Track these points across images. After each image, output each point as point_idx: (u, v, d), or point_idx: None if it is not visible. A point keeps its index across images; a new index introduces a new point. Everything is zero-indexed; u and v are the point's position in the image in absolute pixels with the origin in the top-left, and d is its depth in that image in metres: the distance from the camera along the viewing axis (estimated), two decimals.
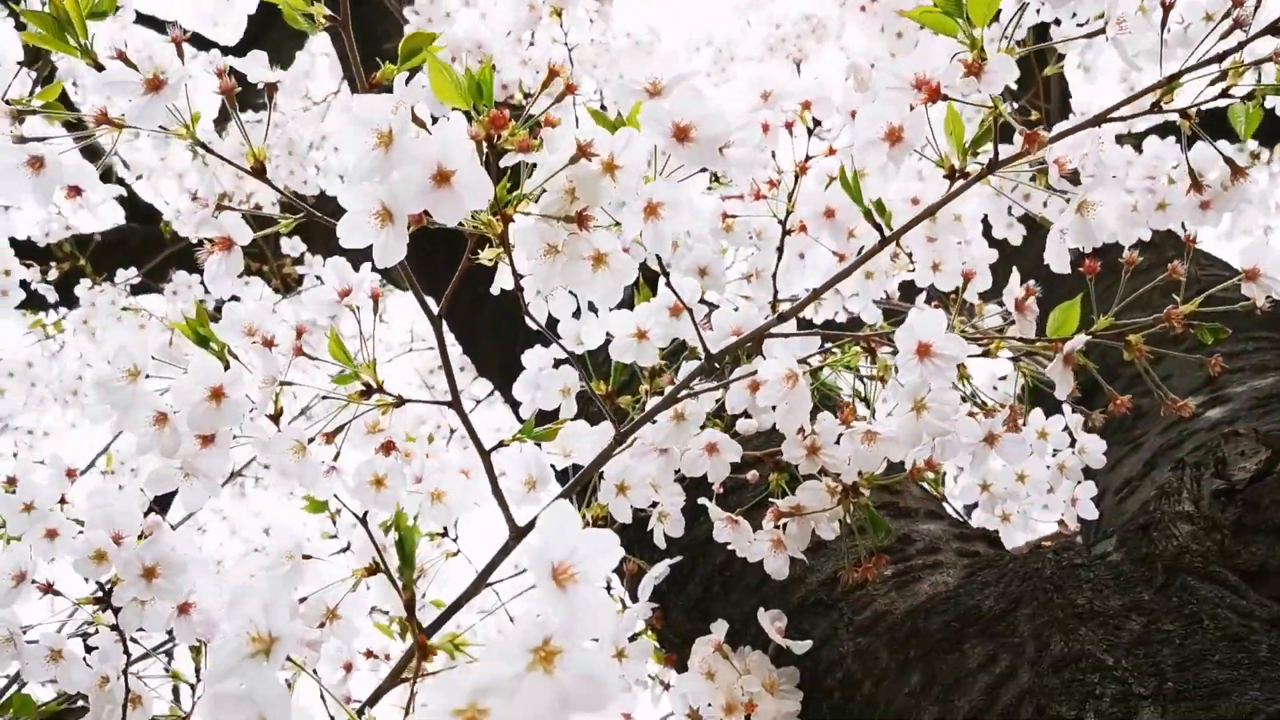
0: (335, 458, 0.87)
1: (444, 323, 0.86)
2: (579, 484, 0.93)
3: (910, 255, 1.19)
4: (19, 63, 1.48)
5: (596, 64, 2.70)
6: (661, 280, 0.93)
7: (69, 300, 2.75)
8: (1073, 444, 1.14)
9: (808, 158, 1.19)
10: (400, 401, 0.86)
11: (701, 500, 0.98)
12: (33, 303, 2.77)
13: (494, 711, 0.42)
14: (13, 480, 1.16)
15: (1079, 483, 1.17)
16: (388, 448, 0.86)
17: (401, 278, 0.83)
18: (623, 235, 0.74)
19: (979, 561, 1.00)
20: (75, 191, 0.75)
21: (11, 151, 0.72)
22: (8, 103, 0.73)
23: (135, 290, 2.82)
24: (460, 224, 0.77)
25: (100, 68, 0.76)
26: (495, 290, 0.89)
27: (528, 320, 0.82)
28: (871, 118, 0.77)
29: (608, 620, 0.44)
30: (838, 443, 0.91)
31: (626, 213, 0.72)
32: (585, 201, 0.70)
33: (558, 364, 1.08)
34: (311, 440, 0.85)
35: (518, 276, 0.78)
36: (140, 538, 0.90)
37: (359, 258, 0.85)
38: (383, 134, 0.66)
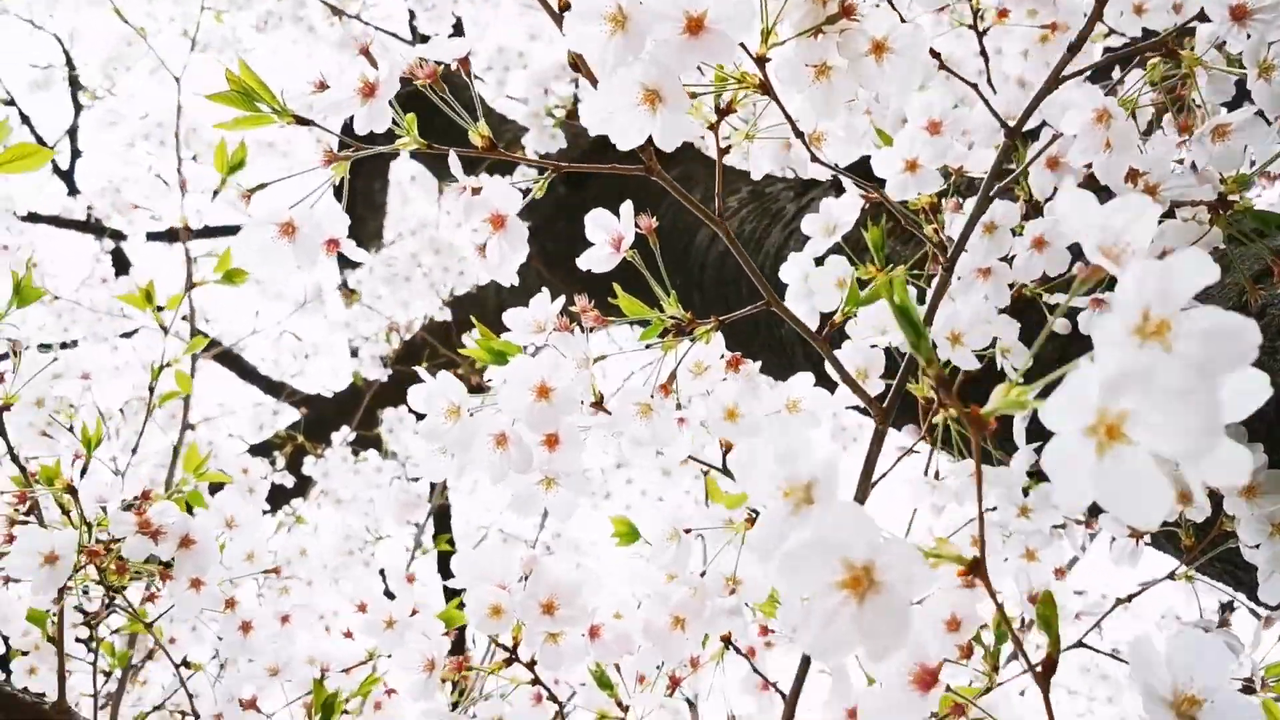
0: (678, 408, 0.81)
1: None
2: (924, 337, 0.85)
3: None
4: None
5: None
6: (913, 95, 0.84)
7: (304, 483, 2.82)
8: None
9: None
10: (720, 323, 0.80)
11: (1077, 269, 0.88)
12: (277, 496, 2.85)
13: (1134, 411, 0.34)
14: (363, 606, 1.15)
15: None
16: (735, 363, 0.79)
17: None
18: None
19: None
20: (334, 245, 0.71)
21: (261, 230, 0.69)
22: (248, 192, 0.70)
23: (353, 446, 2.88)
24: (710, 88, 0.70)
25: (305, 121, 0.73)
26: (756, 175, 0.82)
27: (815, 164, 0.74)
28: None
29: (1200, 269, 0.36)
30: (1179, 166, 0.81)
31: None
32: None
33: (818, 261, 1.01)
34: (650, 398, 0.79)
35: (792, 122, 0.71)
36: (524, 579, 0.85)
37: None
38: (614, 14, 0.60)
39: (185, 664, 1.18)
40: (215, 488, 1.39)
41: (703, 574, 0.86)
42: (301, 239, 0.70)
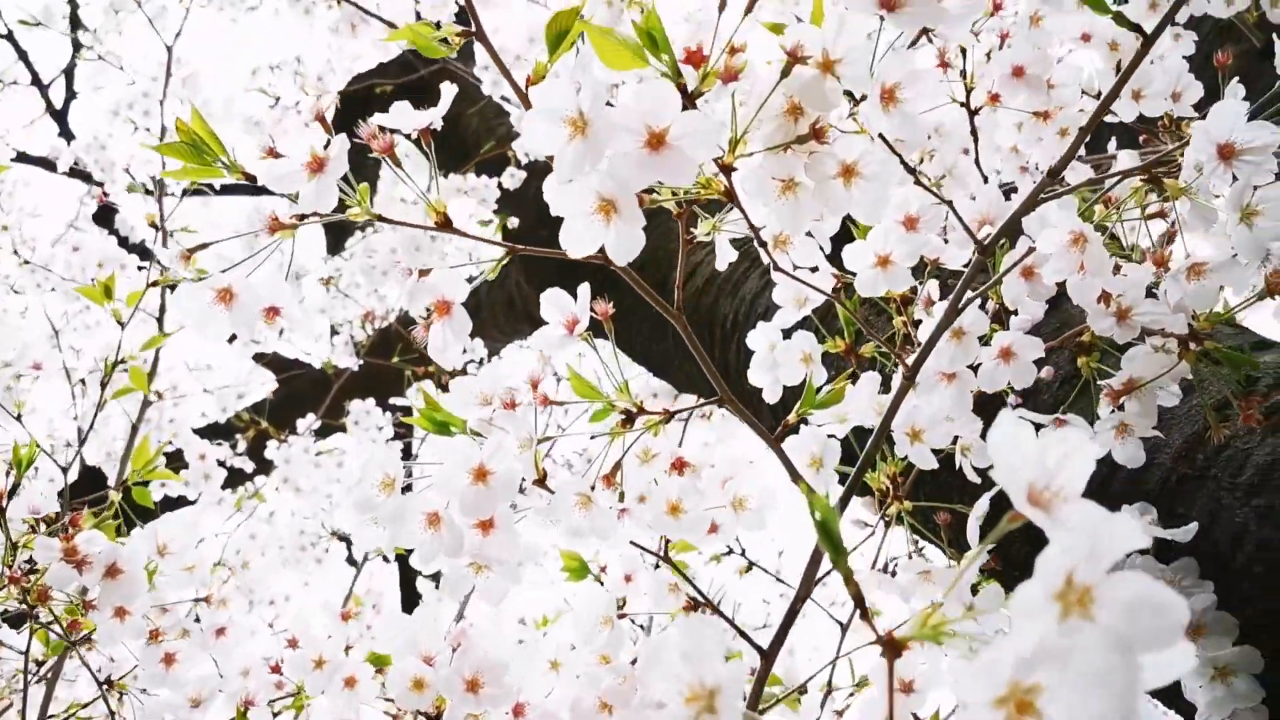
0: (621, 499, 0.79)
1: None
2: (877, 446, 0.83)
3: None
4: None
5: None
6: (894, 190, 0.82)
7: (264, 466, 2.79)
8: None
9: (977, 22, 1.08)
10: (669, 416, 0.78)
11: (1015, 410, 0.86)
12: (234, 479, 2.82)
13: (1048, 687, 0.32)
14: (294, 641, 1.12)
15: None
16: (679, 465, 0.77)
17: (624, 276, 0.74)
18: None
19: None
20: (274, 312, 0.68)
21: (198, 292, 0.67)
22: (188, 252, 0.68)
23: (319, 434, 2.85)
24: (673, 193, 0.68)
25: (251, 178, 0.70)
26: (721, 265, 0.79)
27: (774, 275, 0.72)
28: None
29: (1130, 531, 0.34)
30: (1152, 295, 0.79)
31: (864, 106, 0.61)
32: (814, 111, 0.60)
33: (786, 334, 0.98)
34: (592, 489, 0.76)
35: (755, 230, 0.69)
36: (452, 652, 0.83)
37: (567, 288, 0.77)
38: (575, 119, 0.58)
39: (109, 682, 1.16)
40: (153, 508, 1.37)
41: (634, 662, 0.84)
42: (239, 307, 0.67)
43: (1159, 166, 0.77)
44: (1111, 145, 1.50)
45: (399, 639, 0.83)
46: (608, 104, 0.64)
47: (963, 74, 1.09)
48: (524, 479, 0.78)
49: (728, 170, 0.64)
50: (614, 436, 0.79)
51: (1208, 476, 0.85)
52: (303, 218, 0.65)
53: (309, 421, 2.75)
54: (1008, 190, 1.64)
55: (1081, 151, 1.01)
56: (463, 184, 2.34)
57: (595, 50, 0.64)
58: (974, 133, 1.11)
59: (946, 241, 0.93)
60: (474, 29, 0.67)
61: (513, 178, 2.42)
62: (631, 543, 0.83)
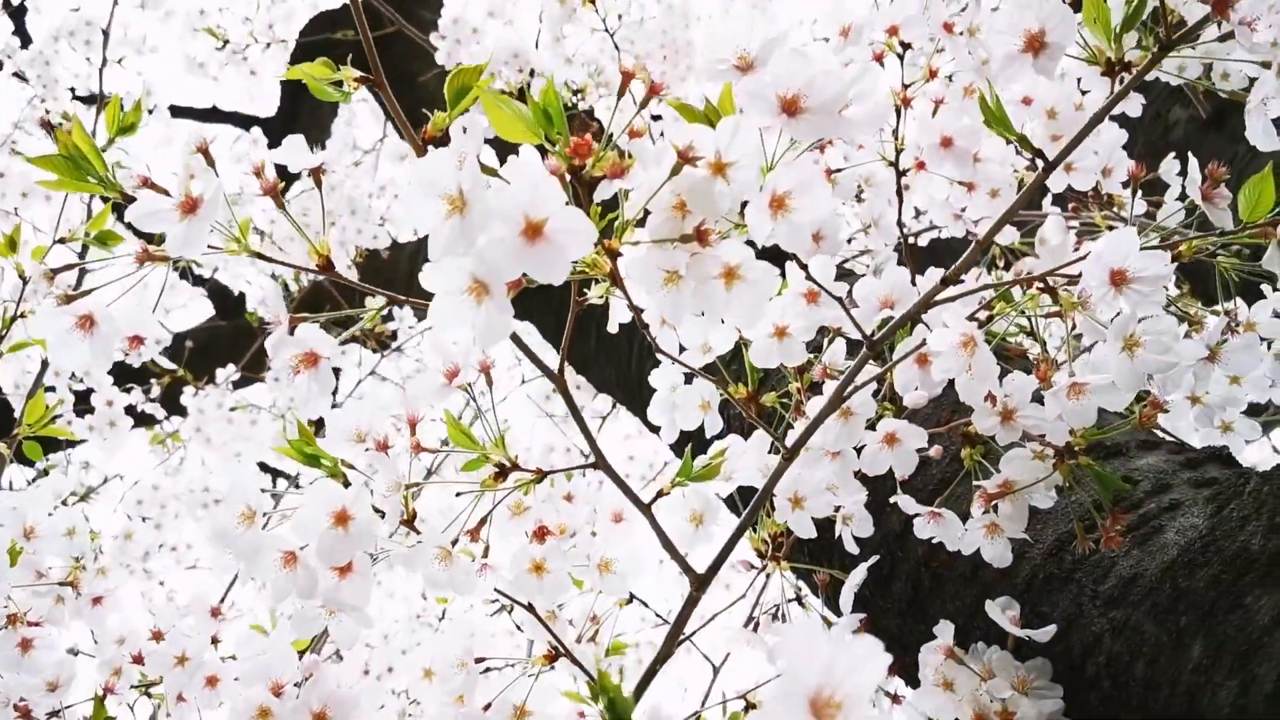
0: (485, 554, 0.78)
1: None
2: (754, 515, 0.83)
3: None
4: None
5: (634, 41, 2.57)
6: (791, 264, 0.81)
7: (179, 412, 2.74)
8: None
9: (906, 87, 1.07)
10: (541, 475, 0.77)
11: (894, 498, 0.86)
12: (145, 424, 2.77)
13: None
14: (158, 635, 1.11)
15: None
16: (541, 534, 0.76)
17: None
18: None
19: (1223, 491, 0.86)
20: (137, 341, 0.66)
21: (58, 316, 0.64)
22: (52, 272, 0.65)
23: (238, 385, 2.81)
24: None
25: (129, 199, 0.68)
26: (613, 328, 0.78)
27: (659, 355, 0.71)
28: (1003, 27, 0.64)
29: None
30: (1037, 400, 0.79)
31: (750, 210, 0.61)
32: (700, 214, 0.59)
33: (689, 378, 0.98)
34: (455, 542, 0.75)
35: (637, 311, 0.68)
36: (301, 683, 0.82)
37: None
38: (453, 197, 0.56)
39: None
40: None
41: (487, 707, 0.83)
42: (99, 336, 0.65)
43: (1060, 273, 0.77)
44: (1047, 201, 1.51)
45: (248, 668, 0.82)
46: (494, 171, 0.63)
47: (895, 133, 1.08)
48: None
49: (613, 255, 0.63)
50: (485, 489, 0.78)
51: (1073, 579, 0.86)
52: (167, 258, 0.63)
53: (229, 372, 2.70)
54: (937, 241, 1.65)
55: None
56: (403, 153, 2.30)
57: (489, 117, 0.63)
58: (900, 193, 1.11)
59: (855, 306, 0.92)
60: (374, 77, 0.65)
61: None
62: (496, 590, 0.83)
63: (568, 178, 0.60)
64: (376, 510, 0.76)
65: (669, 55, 3.07)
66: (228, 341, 2.89)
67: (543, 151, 0.61)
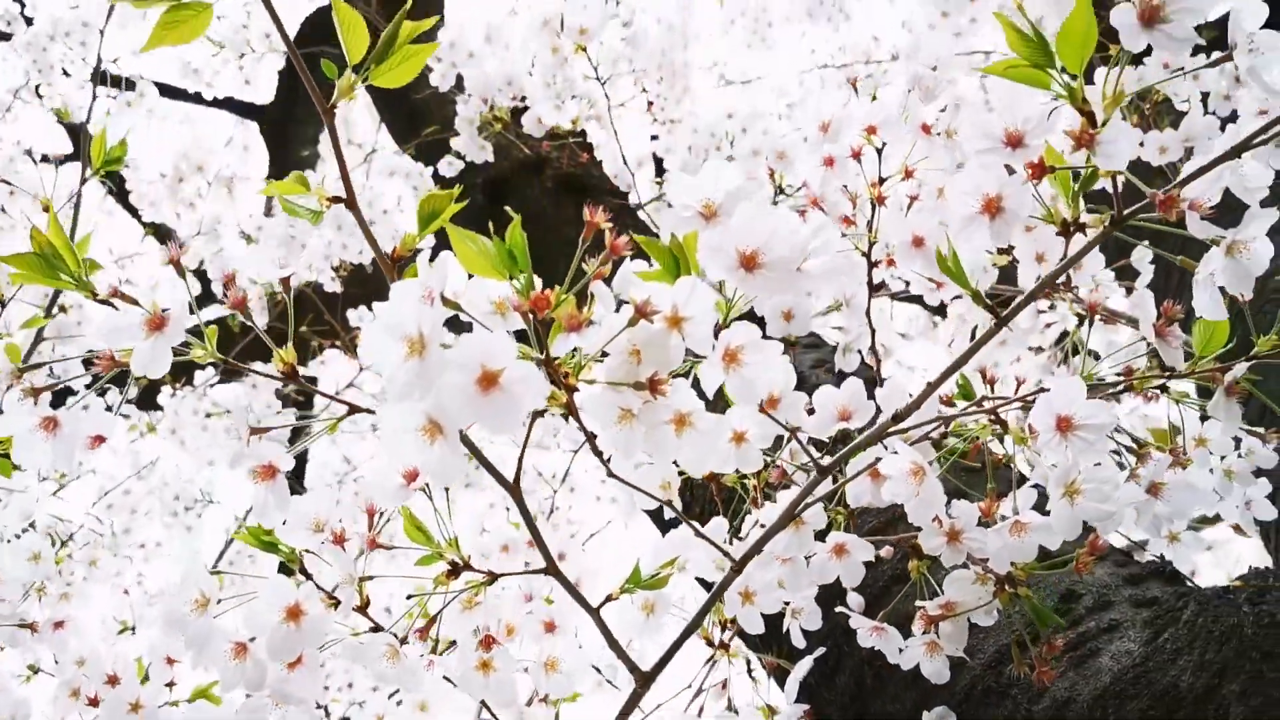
0: (434, 650, 0.79)
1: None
2: (703, 616, 0.85)
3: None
4: None
5: (633, 60, 2.57)
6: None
7: (153, 407, 2.75)
8: (1237, 445, 1.02)
9: (881, 181, 1.09)
10: (492, 578, 0.78)
11: (839, 609, 0.88)
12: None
13: None
14: (114, 679, 1.12)
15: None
16: (487, 643, 0.78)
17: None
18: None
19: (1162, 615, 0.88)
20: (99, 440, 0.67)
21: (22, 417, 0.65)
22: (19, 370, 0.66)
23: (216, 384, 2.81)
24: None
25: (95, 293, 0.69)
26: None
27: (611, 478, 0.73)
28: (965, 188, 0.66)
29: None
30: (982, 524, 0.81)
31: (704, 366, 0.62)
32: (653, 366, 0.61)
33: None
34: (404, 640, 0.77)
35: (591, 438, 0.69)
36: None
37: None
38: (414, 340, 0.58)
39: None
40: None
41: None
42: (62, 437, 0.66)
43: (1016, 402, 0.79)
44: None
45: None
46: (457, 305, 0.65)
47: (869, 225, 1.10)
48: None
49: (570, 389, 0.64)
50: (437, 585, 0.79)
51: (1009, 695, 0.89)
52: (130, 373, 0.64)
53: (207, 375, 2.71)
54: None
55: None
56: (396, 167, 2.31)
57: (455, 251, 0.64)
58: (869, 284, 1.12)
59: (811, 412, 0.94)
60: (346, 198, 0.66)
61: (450, 165, 2.39)
62: (445, 677, 0.84)
63: (529, 316, 0.62)
64: (330, 598, 0.77)
65: (665, 76, 3.09)
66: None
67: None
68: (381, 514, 0.80)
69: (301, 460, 3.28)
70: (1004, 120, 0.64)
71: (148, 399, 2.79)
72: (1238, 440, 1.01)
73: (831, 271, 0.65)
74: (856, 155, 1.06)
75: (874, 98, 1.09)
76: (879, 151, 1.07)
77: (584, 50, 1.80)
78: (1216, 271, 0.64)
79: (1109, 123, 0.56)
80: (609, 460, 0.70)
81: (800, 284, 0.62)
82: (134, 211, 3.17)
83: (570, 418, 0.66)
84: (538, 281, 0.65)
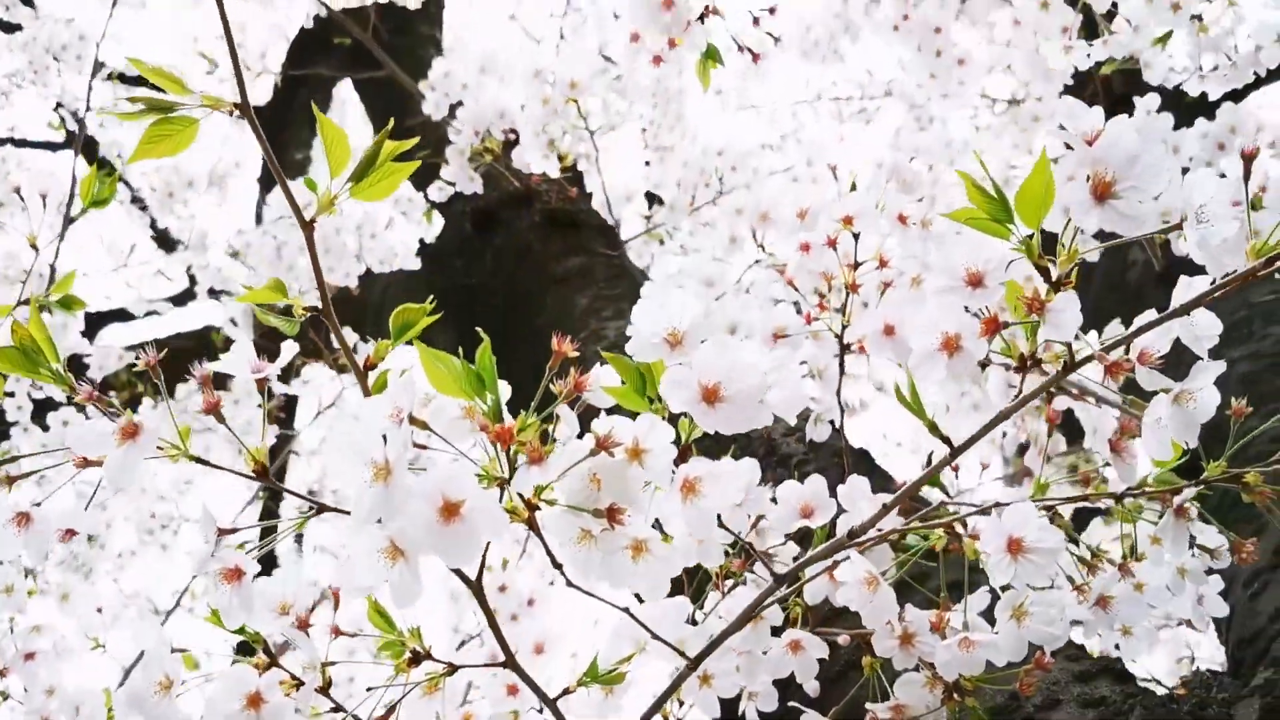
0: None
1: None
2: (659, 708, 0.86)
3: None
4: None
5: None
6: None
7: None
8: (1191, 544, 1.04)
9: (856, 264, 1.11)
10: (452, 669, 0.80)
11: (793, 703, 0.90)
12: None
13: None
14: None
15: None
16: None
17: None
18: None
19: (1109, 717, 0.90)
20: (70, 534, 0.69)
21: None
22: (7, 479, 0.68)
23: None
24: None
25: (74, 390, 0.70)
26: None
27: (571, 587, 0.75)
28: (925, 325, 0.68)
29: None
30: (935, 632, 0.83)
31: (663, 498, 0.64)
32: (612, 497, 0.63)
33: None
34: None
35: (551, 553, 0.71)
36: None
37: None
38: (380, 466, 0.59)
39: None
40: None
41: None
42: (34, 531, 0.68)
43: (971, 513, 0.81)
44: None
45: None
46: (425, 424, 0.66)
47: (841, 309, 1.12)
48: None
49: (531, 507, 0.66)
50: (398, 671, 0.81)
51: None
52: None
53: (190, 388, 2.72)
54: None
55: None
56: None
57: (425, 371, 0.66)
58: (842, 366, 1.14)
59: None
60: (323, 308, 0.68)
61: (440, 191, 2.41)
62: None
63: (493, 440, 0.64)
64: (295, 681, 0.79)
65: (659, 103, 3.11)
66: (190, 357, 2.88)
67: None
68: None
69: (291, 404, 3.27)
70: (965, 260, 0.66)
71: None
72: (1193, 538, 1.03)
73: (791, 402, 0.66)
74: (832, 244, 1.08)
75: (853, 186, 1.12)
76: (856, 237, 1.10)
77: (575, 102, 1.82)
78: (1163, 418, 0.66)
79: (1059, 294, 0.58)
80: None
81: (761, 417, 0.64)
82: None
83: (532, 532, 0.67)
84: (505, 391, 0.67)
